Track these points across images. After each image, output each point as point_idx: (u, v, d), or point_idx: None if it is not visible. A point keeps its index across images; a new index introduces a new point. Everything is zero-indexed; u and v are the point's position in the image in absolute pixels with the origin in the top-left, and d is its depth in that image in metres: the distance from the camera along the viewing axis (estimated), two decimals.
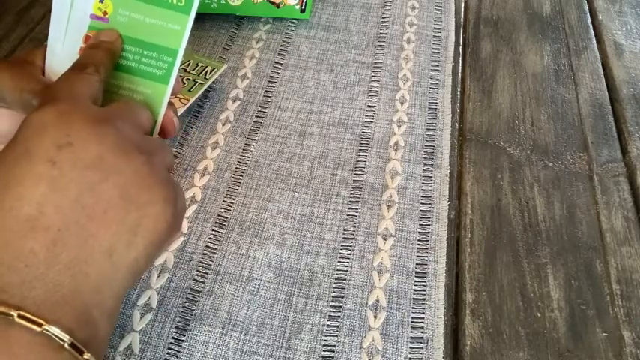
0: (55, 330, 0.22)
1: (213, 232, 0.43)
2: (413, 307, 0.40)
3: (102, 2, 0.31)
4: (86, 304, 0.24)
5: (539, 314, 0.40)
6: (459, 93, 0.54)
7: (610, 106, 0.53)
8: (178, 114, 0.47)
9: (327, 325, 0.39)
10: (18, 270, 0.22)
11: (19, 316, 0.21)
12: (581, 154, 0.49)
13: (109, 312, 0.25)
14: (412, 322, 0.39)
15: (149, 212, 0.26)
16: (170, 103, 0.32)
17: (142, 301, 0.39)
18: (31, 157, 0.24)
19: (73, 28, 0.31)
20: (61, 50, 0.31)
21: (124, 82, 0.32)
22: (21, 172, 0.23)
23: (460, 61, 0.57)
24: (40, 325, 0.21)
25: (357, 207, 0.45)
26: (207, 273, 0.41)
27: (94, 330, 0.24)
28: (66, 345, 0.22)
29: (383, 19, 0.60)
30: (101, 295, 0.24)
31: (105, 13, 0.31)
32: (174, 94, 0.32)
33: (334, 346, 0.38)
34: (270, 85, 0.53)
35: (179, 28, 0.31)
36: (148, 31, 0.31)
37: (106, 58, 0.30)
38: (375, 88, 0.53)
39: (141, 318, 0.38)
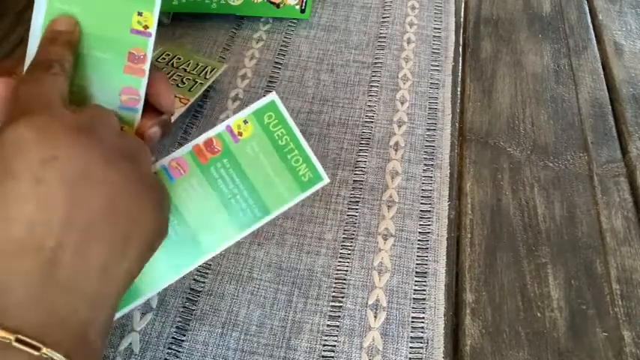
0: (54, 355, 0.21)
1: None
2: (413, 307, 0.40)
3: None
4: (83, 322, 0.23)
5: (539, 314, 0.40)
6: (459, 93, 0.54)
7: (610, 106, 0.53)
8: (178, 114, 0.47)
9: (327, 325, 0.39)
10: (14, 292, 0.22)
11: (17, 340, 0.21)
12: (581, 154, 0.49)
13: (104, 327, 0.24)
14: (412, 322, 0.39)
15: (139, 220, 0.25)
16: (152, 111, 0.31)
17: None
18: (14, 176, 0.22)
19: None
20: None
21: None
22: (5, 192, 0.22)
23: (460, 61, 0.57)
24: (38, 349, 0.21)
25: (357, 207, 0.45)
26: (207, 273, 0.41)
27: (89, 349, 0.23)
28: None
29: (383, 19, 0.60)
30: (97, 311, 0.24)
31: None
32: (165, 112, 0.31)
33: (334, 346, 0.38)
34: (270, 85, 0.53)
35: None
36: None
37: (67, 53, 0.28)
38: (375, 88, 0.53)
39: (141, 318, 0.38)
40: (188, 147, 0.31)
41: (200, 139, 0.31)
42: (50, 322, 0.22)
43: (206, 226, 0.31)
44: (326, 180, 0.32)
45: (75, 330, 0.23)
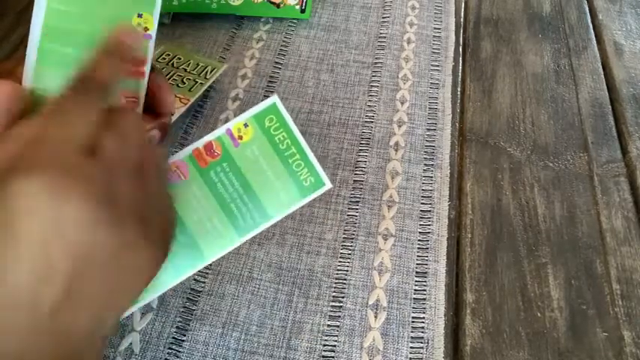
0: None
1: None
2: (413, 307, 0.40)
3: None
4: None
5: (539, 314, 0.40)
6: (459, 93, 0.54)
7: (610, 106, 0.53)
8: (179, 114, 0.47)
9: (328, 325, 0.39)
10: (5, 346, 0.21)
11: None
12: (582, 154, 0.49)
13: (97, 353, 0.24)
14: (412, 322, 0.39)
15: (142, 273, 0.25)
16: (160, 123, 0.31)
17: None
18: (18, 240, 0.22)
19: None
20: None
21: None
22: (6, 255, 0.21)
23: (460, 61, 0.57)
24: None
25: (357, 207, 0.45)
26: (207, 273, 0.41)
27: None
28: None
29: (383, 19, 0.60)
30: (90, 348, 0.24)
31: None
32: (165, 113, 0.31)
33: (334, 346, 0.38)
34: (270, 85, 0.53)
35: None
36: None
37: (119, 71, 0.26)
38: (375, 88, 0.53)
39: (141, 318, 0.38)
40: (188, 150, 0.30)
41: (200, 143, 0.30)
42: None
43: (206, 231, 0.31)
44: (328, 185, 0.31)
45: None
